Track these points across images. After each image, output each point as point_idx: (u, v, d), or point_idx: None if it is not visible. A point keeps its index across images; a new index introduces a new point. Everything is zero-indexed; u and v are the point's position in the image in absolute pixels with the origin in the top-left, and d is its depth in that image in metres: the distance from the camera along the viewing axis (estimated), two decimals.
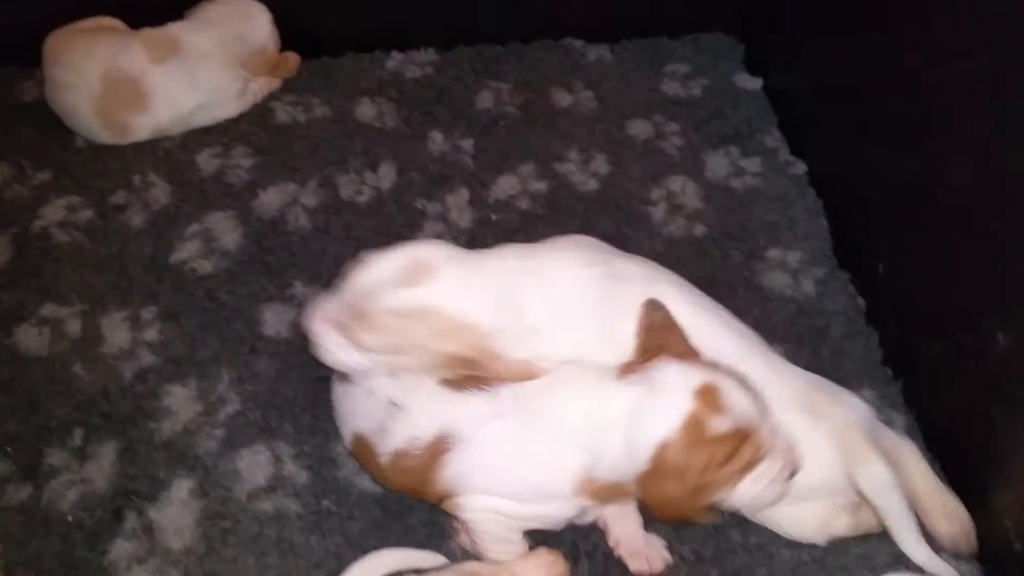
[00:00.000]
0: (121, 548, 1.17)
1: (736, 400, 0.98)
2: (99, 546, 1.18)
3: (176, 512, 1.20)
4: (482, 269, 1.10)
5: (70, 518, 1.21)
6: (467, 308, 1.05)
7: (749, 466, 0.98)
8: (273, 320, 1.43)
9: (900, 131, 1.35)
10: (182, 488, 1.23)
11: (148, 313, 1.45)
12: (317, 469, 1.25)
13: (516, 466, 1.04)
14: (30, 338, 1.42)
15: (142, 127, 1.66)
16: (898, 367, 1.36)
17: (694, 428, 0.96)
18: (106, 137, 1.67)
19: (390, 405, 1.09)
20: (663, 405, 0.97)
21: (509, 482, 1.05)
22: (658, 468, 0.96)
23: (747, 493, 1.00)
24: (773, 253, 1.52)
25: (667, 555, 1.15)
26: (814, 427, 1.09)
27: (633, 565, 1.14)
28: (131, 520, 1.20)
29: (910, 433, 1.27)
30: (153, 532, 1.19)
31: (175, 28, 1.67)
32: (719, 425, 0.96)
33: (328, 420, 1.28)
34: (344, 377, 1.14)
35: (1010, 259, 1.08)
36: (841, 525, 1.14)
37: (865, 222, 1.48)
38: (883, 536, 1.15)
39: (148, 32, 1.65)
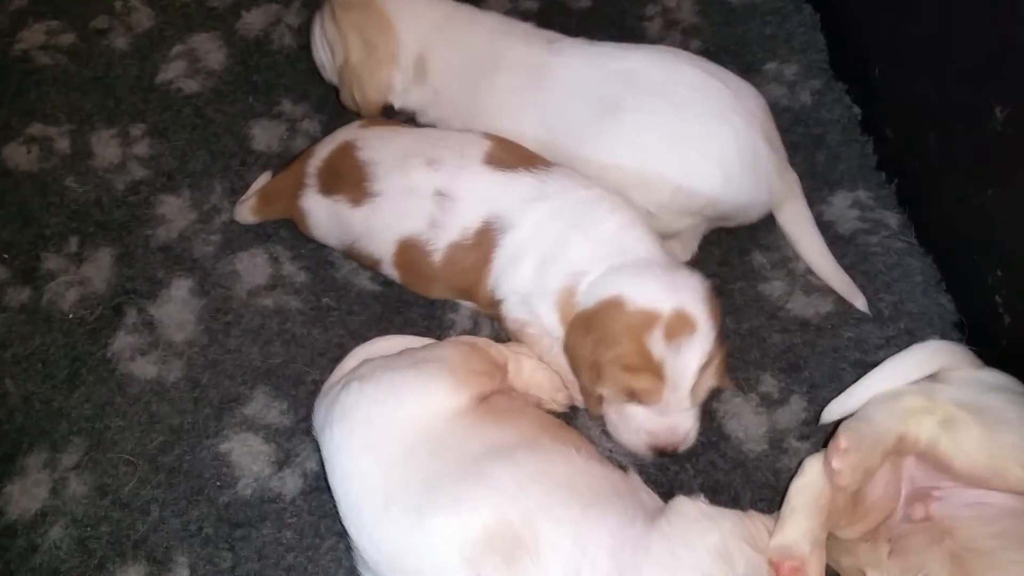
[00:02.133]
0: (123, 341, 1.17)
1: (684, 355, 0.96)
2: (101, 340, 1.18)
3: (176, 308, 1.20)
4: None
5: (71, 315, 1.20)
6: None
7: (634, 395, 0.97)
8: (262, 135, 1.41)
9: None
10: (181, 287, 1.22)
11: (137, 131, 1.41)
12: (315, 270, 1.25)
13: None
14: (19, 155, 1.39)
15: None
16: (892, 169, 1.35)
17: (645, 323, 0.95)
18: None
19: (438, 196, 1.07)
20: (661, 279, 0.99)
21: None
22: (594, 316, 0.97)
23: (609, 416, 1.01)
24: (770, 66, 1.49)
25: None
26: None
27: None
28: (132, 316, 1.20)
29: (903, 231, 1.27)
30: (154, 327, 1.19)
31: None
32: (655, 347, 0.95)
33: None
34: (361, 196, 1.11)
35: (1007, 28, 1.05)
36: None
37: (861, 32, 1.45)
38: (876, 322, 1.17)
39: None
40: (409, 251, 1.10)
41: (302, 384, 1.14)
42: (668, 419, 0.99)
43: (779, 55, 1.51)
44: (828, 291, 1.21)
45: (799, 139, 1.39)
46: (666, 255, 1.05)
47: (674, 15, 1.57)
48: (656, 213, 1.16)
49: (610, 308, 0.96)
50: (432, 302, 1.21)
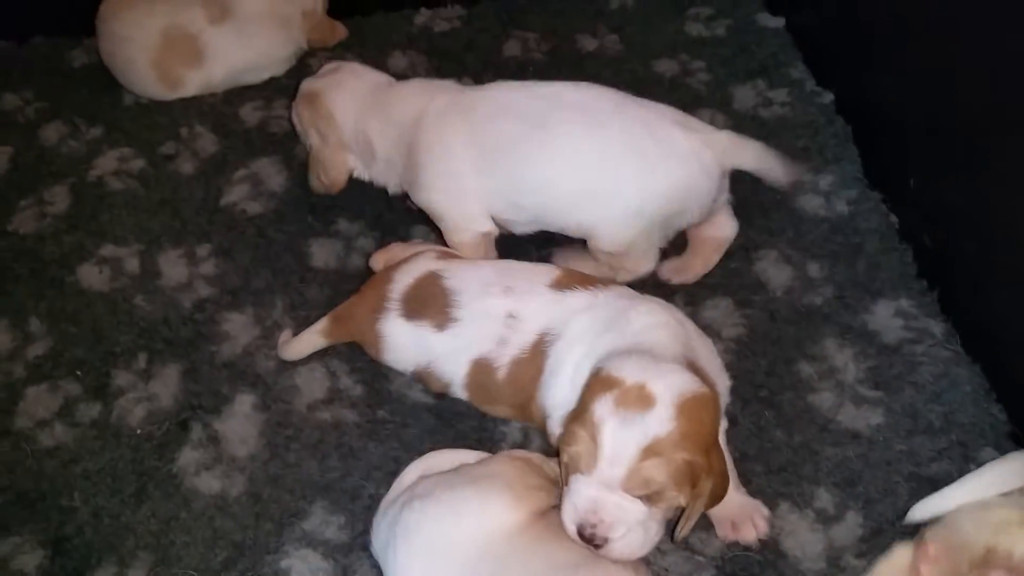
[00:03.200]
0: (189, 456, 1.21)
1: (627, 427, 0.92)
2: (168, 455, 1.21)
3: (240, 423, 1.24)
4: None
5: (139, 431, 1.24)
6: None
7: (572, 460, 0.95)
8: (320, 253, 1.47)
9: (920, 54, 1.37)
10: (244, 402, 1.26)
11: (203, 250, 1.48)
12: (370, 383, 1.28)
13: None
14: (92, 276, 1.46)
15: (193, 82, 1.71)
16: (933, 277, 1.36)
17: (604, 387, 0.95)
18: (158, 90, 1.71)
19: (509, 318, 1.13)
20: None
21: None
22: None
23: None
24: (805, 177, 1.53)
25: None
26: None
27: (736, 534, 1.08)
28: (197, 431, 1.23)
29: (948, 340, 1.28)
30: (219, 441, 1.22)
31: None
32: (601, 408, 0.94)
33: None
34: (445, 321, 1.18)
35: None
36: None
37: (894, 143, 1.49)
38: (928, 433, 1.17)
39: None
40: (479, 371, 1.15)
41: (359, 499, 1.16)
42: (593, 492, 0.92)
43: (814, 166, 1.55)
44: (878, 402, 1.21)
45: (838, 248, 1.42)
46: (683, 355, 1.04)
47: None
48: (601, 226, 1.24)
49: (590, 379, 0.98)
50: (483, 415, 1.23)
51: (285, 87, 1.76)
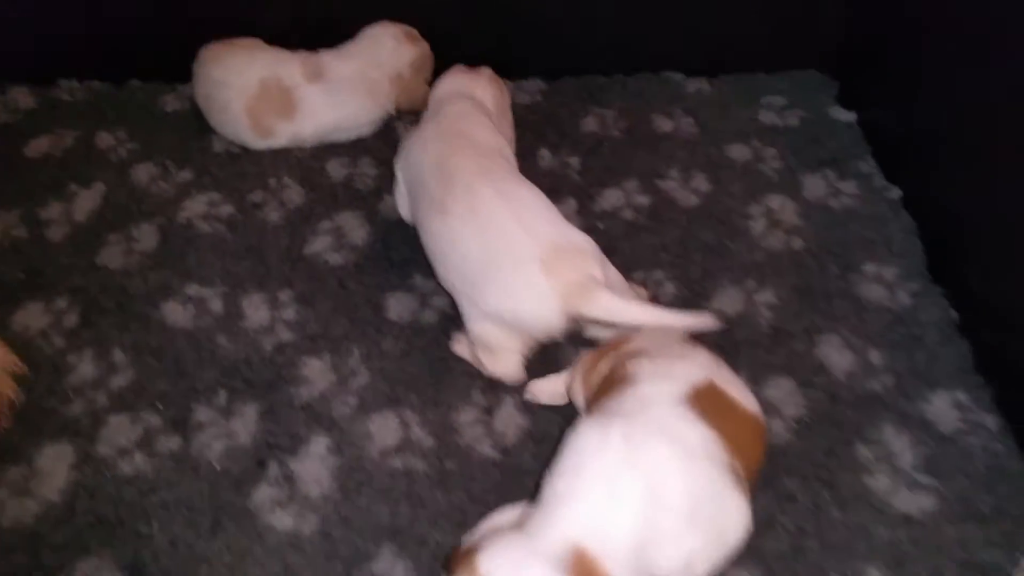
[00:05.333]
0: (264, 493, 1.34)
1: None
2: (244, 490, 1.34)
3: (314, 465, 1.37)
4: None
5: (217, 466, 1.37)
6: None
7: None
8: (396, 306, 1.61)
9: (988, 160, 1.50)
10: (320, 444, 1.40)
11: (285, 296, 1.64)
12: (440, 435, 1.41)
13: None
14: (176, 313, 1.62)
15: (283, 134, 1.90)
16: (989, 373, 1.47)
17: None
18: (249, 137, 1.90)
19: None
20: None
21: None
22: None
23: None
24: (869, 267, 1.65)
25: None
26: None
27: None
28: (273, 470, 1.36)
29: (1002, 435, 1.38)
30: (294, 481, 1.35)
31: (326, 55, 1.92)
32: None
33: (450, 393, 1.44)
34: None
35: None
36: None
37: (958, 242, 1.62)
38: (978, 521, 1.26)
39: (304, 54, 1.91)
40: None
41: (425, 545, 1.28)
42: None
43: (879, 257, 1.67)
44: (932, 489, 1.31)
45: (899, 339, 1.54)
46: None
47: (777, 215, 1.76)
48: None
49: None
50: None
51: (371, 147, 1.94)
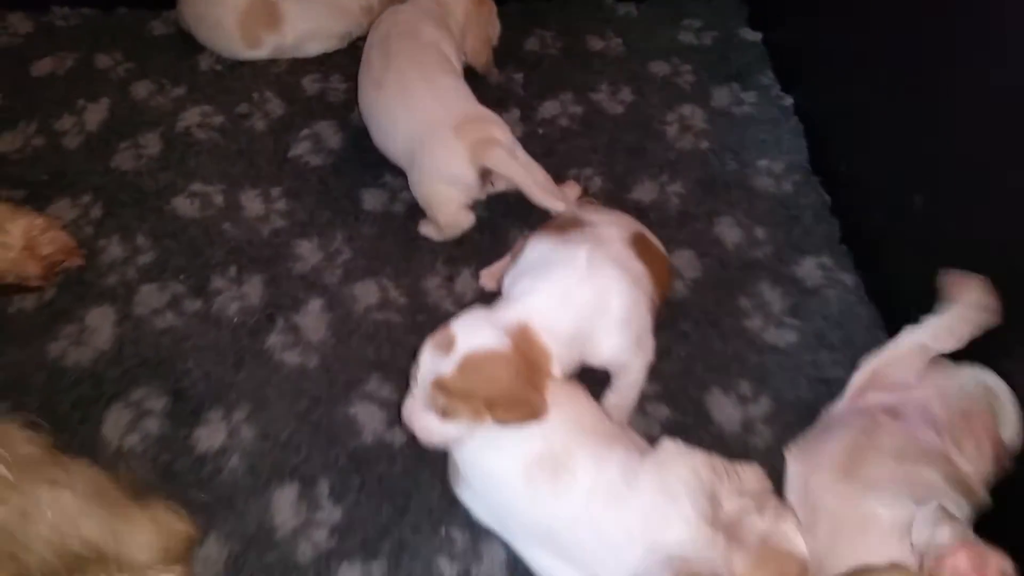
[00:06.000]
0: (275, 339, 1.72)
1: (427, 360, 1.34)
2: (259, 337, 1.72)
3: (313, 319, 1.75)
4: None
5: (235, 320, 1.75)
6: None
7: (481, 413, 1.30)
8: (370, 199, 1.98)
9: (859, 75, 1.90)
10: (316, 304, 1.78)
11: (275, 192, 1.99)
12: (412, 296, 1.79)
13: None
14: (185, 206, 1.97)
15: (269, 44, 2.25)
16: (851, 243, 1.89)
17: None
18: (239, 48, 2.24)
19: None
20: None
21: None
22: None
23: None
24: (762, 163, 2.06)
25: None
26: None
27: None
28: (280, 323, 1.74)
29: (856, 288, 1.81)
30: (298, 330, 1.73)
31: None
32: (425, 345, 1.33)
33: (418, 265, 1.83)
34: None
35: (923, 142, 1.62)
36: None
37: (834, 140, 2.02)
38: (829, 349, 1.69)
39: None
40: None
41: (403, 373, 1.64)
42: (409, 401, 1.35)
43: (770, 154, 2.08)
44: (795, 327, 1.73)
45: (781, 219, 1.95)
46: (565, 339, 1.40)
47: (688, 121, 2.15)
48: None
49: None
50: None
51: (340, 64, 2.28)
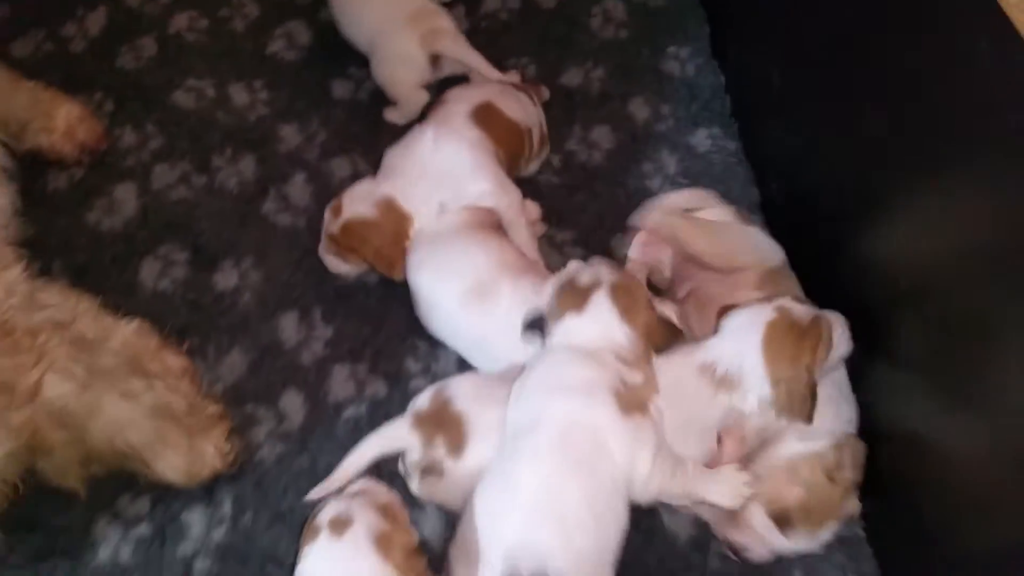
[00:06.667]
0: (270, 206, 2.15)
1: None
2: (256, 204, 2.16)
3: (298, 189, 2.19)
4: None
5: (234, 192, 2.20)
6: None
7: None
8: (339, 88, 2.40)
9: None
10: (300, 177, 2.21)
11: (257, 84, 2.41)
12: (378, 166, 2.24)
13: None
14: (184, 99, 2.38)
15: None
16: (738, 116, 2.35)
17: None
18: None
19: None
20: None
21: None
22: None
23: None
24: (671, 49, 2.48)
25: None
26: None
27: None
28: (272, 192, 2.18)
29: (737, 153, 2.28)
30: (287, 198, 2.17)
31: None
32: None
33: (384, 142, 2.25)
34: None
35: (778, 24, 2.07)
36: None
37: (730, 27, 2.46)
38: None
39: None
40: None
41: None
42: (321, 245, 2.01)
43: (678, 42, 2.51)
44: (684, 185, 2.22)
45: (682, 97, 2.39)
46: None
47: (611, 14, 2.58)
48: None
49: None
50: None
51: None
